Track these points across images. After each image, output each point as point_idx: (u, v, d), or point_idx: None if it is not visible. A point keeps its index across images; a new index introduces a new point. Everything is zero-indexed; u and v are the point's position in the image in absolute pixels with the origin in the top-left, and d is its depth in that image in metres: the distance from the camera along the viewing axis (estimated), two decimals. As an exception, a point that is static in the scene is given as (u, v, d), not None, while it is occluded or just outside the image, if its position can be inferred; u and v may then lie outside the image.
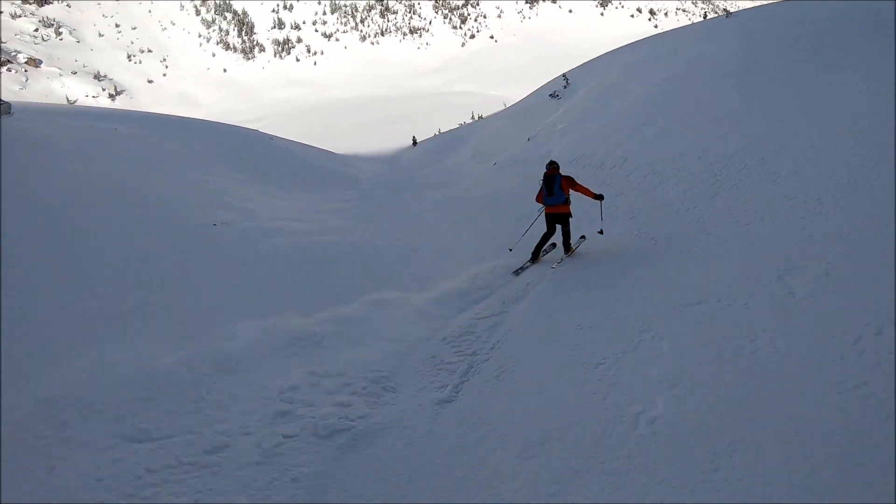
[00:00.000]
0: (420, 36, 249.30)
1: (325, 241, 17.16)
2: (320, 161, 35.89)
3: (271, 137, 38.30)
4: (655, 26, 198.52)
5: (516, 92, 59.17)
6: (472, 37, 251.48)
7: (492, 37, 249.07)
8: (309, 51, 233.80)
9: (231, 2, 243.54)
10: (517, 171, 24.89)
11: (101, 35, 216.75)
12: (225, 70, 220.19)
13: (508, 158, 28.45)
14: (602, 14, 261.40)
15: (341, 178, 31.56)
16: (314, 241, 16.96)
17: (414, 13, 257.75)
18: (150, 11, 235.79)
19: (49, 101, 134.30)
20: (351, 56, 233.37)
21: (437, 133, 59.84)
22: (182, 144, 27.07)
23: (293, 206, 21.62)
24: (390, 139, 66.57)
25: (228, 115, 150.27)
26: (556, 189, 12.10)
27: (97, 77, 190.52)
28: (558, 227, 12.71)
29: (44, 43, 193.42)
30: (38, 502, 5.54)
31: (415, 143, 58.07)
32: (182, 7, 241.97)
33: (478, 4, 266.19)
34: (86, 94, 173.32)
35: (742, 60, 20.97)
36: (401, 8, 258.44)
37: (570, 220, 12.60)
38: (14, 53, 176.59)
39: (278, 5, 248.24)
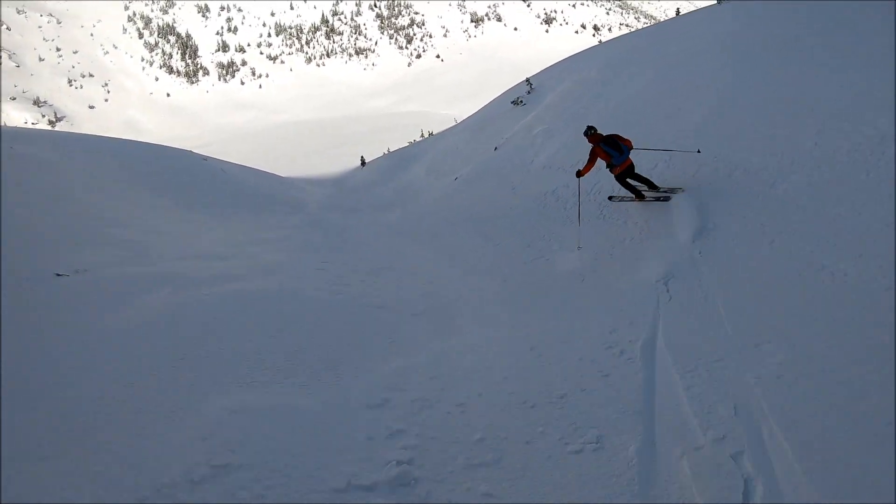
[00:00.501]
0: (366, 57, 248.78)
1: (242, 293, 10.81)
2: (261, 184, 32.31)
3: (205, 159, 35.00)
4: (600, 41, 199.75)
5: (466, 110, 57.50)
6: (419, 56, 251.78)
7: (438, 56, 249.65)
8: (254, 73, 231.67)
9: (175, 24, 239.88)
10: (490, 184, 22.01)
11: (41, 59, 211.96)
12: (168, 94, 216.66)
13: (474, 171, 25.53)
14: (547, 31, 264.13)
15: (284, 203, 28.57)
16: (224, 294, 10.66)
17: (359, 34, 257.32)
18: (91, 35, 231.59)
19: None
20: (297, 78, 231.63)
21: (387, 152, 58.12)
22: (89, 165, 22.74)
23: (219, 236, 17.65)
24: (339, 161, 64.70)
25: (174, 141, 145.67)
26: (621, 146, 11.77)
27: (36, 103, 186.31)
28: (634, 179, 12.48)
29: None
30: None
31: (363, 163, 56.22)
32: (125, 30, 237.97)
33: (423, 24, 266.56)
34: (25, 120, 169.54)
35: (739, 45, 19.22)
36: (346, 29, 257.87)
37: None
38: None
39: (223, 27, 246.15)
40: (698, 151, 12.43)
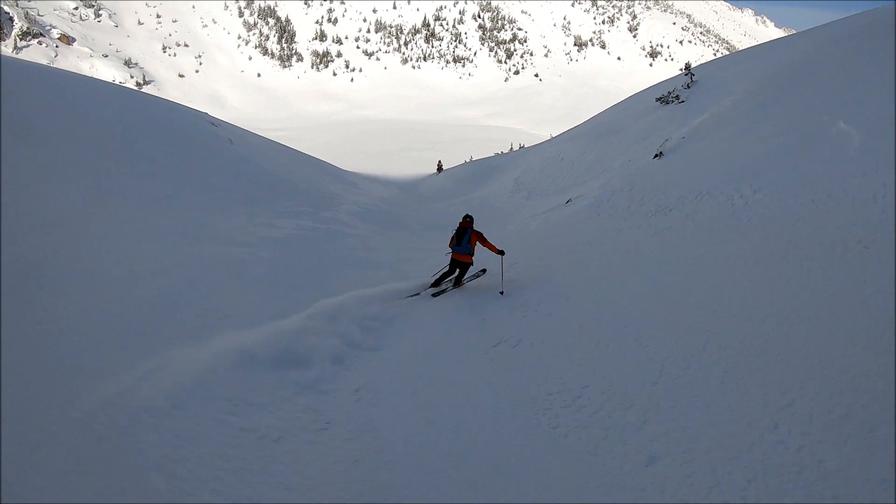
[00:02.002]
0: (463, 66, 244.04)
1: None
2: (292, 170, 26.73)
3: (215, 124, 27.80)
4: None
5: (559, 132, 50.98)
6: (517, 73, 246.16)
7: (536, 75, 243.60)
8: (348, 66, 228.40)
9: (276, 8, 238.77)
10: (650, 212, 13.30)
11: (140, 23, 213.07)
12: (259, 75, 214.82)
13: (605, 192, 17.07)
14: (651, 65, 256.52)
15: (311, 197, 22.09)
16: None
17: (459, 42, 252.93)
18: (193, 7, 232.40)
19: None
20: (390, 77, 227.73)
21: (469, 160, 51.52)
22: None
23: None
24: (417, 164, 61.55)
25: (254, 122, 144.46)
26: (464, 242, 12.47)
27: (128, 63, 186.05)
28: (456, 272, 13.02)
29: (81, 22, 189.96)
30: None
31: (440, 169, 49.92)
32: (226, 7, 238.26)
33: (525, 42, 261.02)
34: (113, 78, 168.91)
35: None
36: (446, 35, 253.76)
37: (470, 268, 12.95)
38: (48, 28, 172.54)
39: (322, 17, 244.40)
40: (501, 293, 11.78)
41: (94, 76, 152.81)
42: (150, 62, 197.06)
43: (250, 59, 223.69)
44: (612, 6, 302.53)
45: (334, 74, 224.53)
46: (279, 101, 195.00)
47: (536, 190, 26.41)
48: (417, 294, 12.41)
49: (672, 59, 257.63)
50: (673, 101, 24.71)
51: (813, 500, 4.18)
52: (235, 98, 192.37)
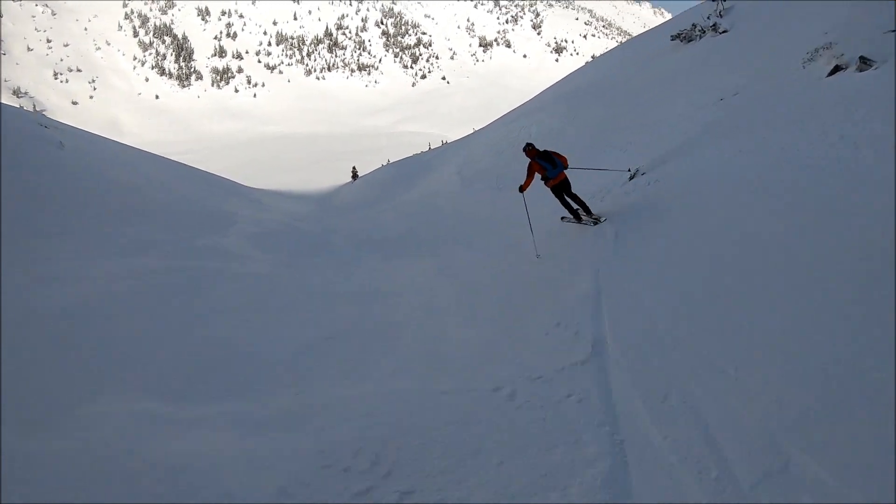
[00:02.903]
0: (369, 73, 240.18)
1: None
2: (162, 185, 21.54)
3: (46, 126, 22.46)
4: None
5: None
6: (424, 77, 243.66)
7: (444, 78, 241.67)
8: (250, 82, 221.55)
9: (172, 25, 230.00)
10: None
11: (29, 49, 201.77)
12: (157, 96, 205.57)
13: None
14: (557, 60, 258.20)
15: (178, 221, 16.94)
16: None
17: (364, 50, 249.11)
18: (85, 30, 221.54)
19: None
20: (295, 90, 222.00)
21: (387, 163, 48.28)
22: None
23: None
24: (332, 176, 58.47)
25: (155, 146, 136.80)
26: (555, 160, 11.86)
27: (16, 93, 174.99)
28: (568, 195, 12.35)
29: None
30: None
31: (355, 176, 46.52)
32: (120, 27, 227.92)
33: (430, 45, 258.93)
34: None
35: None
36: (350, 44, 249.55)
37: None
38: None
39: (221, 32, 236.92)
40: (628, 170, 13.32)
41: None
42: (42, 90, 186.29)
43: (147, 80, 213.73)
44: (515, 5, 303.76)
45: (236, 91, 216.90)
46: (180, 123, 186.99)
47: (500, 179, 23.27)
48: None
49: (577, 53, 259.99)
50: (700, 36, 21.61)
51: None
52: (133, 122, 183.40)
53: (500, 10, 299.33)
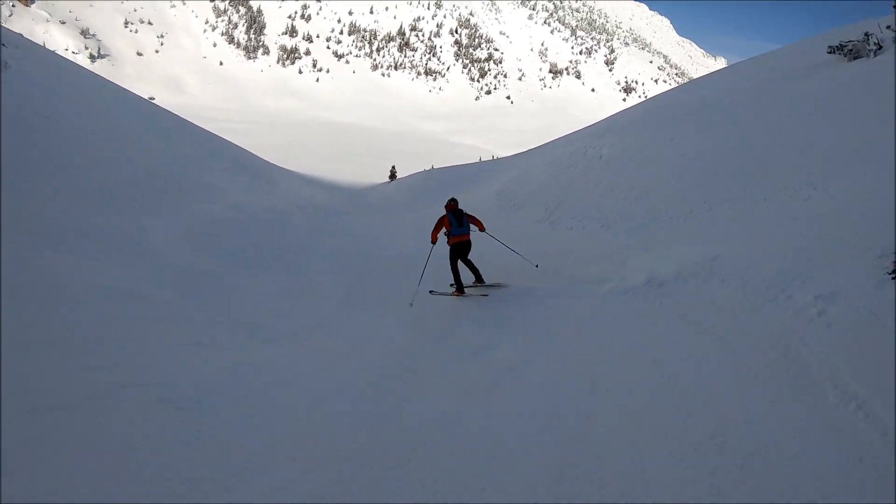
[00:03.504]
0: (435, 79, 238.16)
1: None
2: (138, 143, 18.57)
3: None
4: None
5: None
6: (489, 92, 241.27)
7: (508, 97, 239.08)
8: (315, 66, 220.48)
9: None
10: None
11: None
12: (222, 63, 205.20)
13: None
14: (624, 100, 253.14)
15: (136, 193, 14.14)
16: None
17: (434, 55, 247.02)
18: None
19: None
20: (358, 82, 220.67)
21: (431, 168, 45.06)
22: None
23: None
24: (373, 172, 56.31)
25: (208, 110, 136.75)
26: (465, 222, 12.52)
27: (84, 34, 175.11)
28: (461, 258, 12.81)
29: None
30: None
31: (393, 176, 43.03)
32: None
33: (501, 62, 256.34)
34: (66, 47, 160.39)
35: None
36: (421, 46, 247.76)
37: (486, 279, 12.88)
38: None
39: (296, 13, 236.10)
40: (536, 266, 13.05)
41: (45, 42, 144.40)
42: (109, 36, 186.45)
43: (215, 45, 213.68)
44: (592, 38, 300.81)
45: (300, 72, 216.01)
46: (239, 92, 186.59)
47: (548, 210, 19.87)
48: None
49: (645, 96, 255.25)
50: (876, 52, 16.11)
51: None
52: (194, 84, 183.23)
53: (577, 40, 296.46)
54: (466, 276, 12.67)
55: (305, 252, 15.90)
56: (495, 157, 54.66)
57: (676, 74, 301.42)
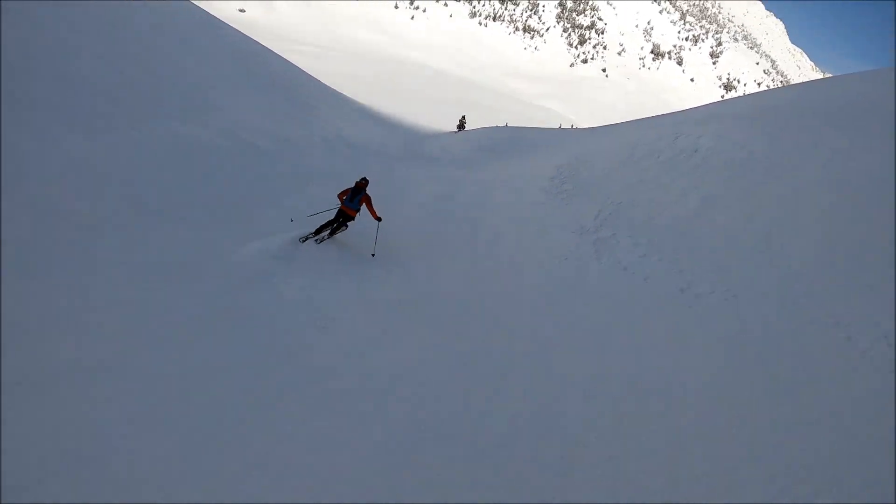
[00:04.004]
0: (532, 38, 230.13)
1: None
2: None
3: None
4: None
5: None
6: (585, 62, 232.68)
7: (604, 70, 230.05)
8: (412, 3, 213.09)
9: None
10: None
11: None
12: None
13: None
14: (723, 96, 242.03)
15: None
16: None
17: (535, 13, 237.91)
18: None
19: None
20: (453, 27, 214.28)
21: (502, 126, 40.55)
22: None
23: None
24: (447, 120, 51.46)
25: (294, 33, 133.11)
26: (356, 200, 13.66)
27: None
28: (339, 221, 14.07)
29: None
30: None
31: (461, 126, 38.65)
32: None
33: (602, 33, 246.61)
34: None
35: None
36: (523, 2, 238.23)
37: (351, 223, 14.02)
38: None
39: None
40: (372, 255, 13.69)
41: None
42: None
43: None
44: (700, 26, 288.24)
45: (396, 7, 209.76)
46: (329, 19, 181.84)
47: (600, 216, 14.79)
48: (306, 239, 13.25)
49: (744, 90, 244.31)
50: None
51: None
52: (285, 4, 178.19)
53: (685, 24, 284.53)
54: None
55: (271, 206, 14.01)
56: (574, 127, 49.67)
57: (782, 82, 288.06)
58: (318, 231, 13.63)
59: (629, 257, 12.32)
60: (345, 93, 36.26)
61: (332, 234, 13.78)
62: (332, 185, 15.49)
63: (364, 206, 13.73)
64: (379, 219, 13.74)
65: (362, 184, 13.76)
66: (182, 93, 15.48)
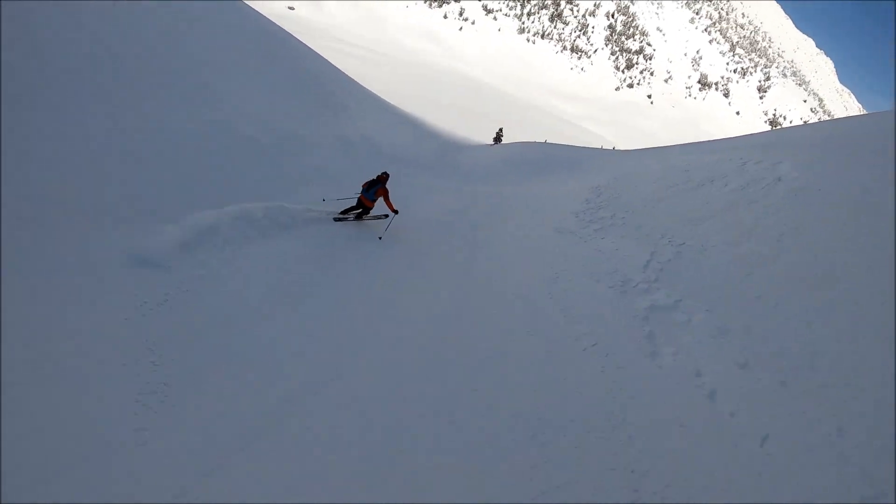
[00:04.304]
0: (579, 58, 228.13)
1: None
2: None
3: None
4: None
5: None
6: (631, 86, 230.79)
7: (649, 96, 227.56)
8: (461, 15, 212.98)
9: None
10: None
11: None
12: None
13: None
14: (770, 128, 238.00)
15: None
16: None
17: (584, 33, 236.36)
18: None
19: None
20: (500, 41, 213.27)
21: (542, 142, 39.49)
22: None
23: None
24: (485, 134, 51.80)
25: (343, 34, 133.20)
26: (372, 192, 14.28)
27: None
28: (360, 211, 14.80)
29: None
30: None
31: (498, 139, 37.92)
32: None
33: (651, 59, 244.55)
34: None
35: None
36: (573, 21, 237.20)
37: (370, 212, 14.84)
38: None
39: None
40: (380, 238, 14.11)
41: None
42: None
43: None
44: (749, 59, 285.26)
45: (445, 17, 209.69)
46: (378, 24, 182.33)
47: (639, 258, 10.10)
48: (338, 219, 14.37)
49: (791, 123, 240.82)
50: None
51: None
52: (334, 4, 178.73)
53: (734, 56, 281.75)
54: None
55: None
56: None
57: (827, 118, 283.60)
58: (343, 212, 14.77)
59: (707, 352, 7.12)
60: (385, 97, 35.39)
61: (357, 217, 14.89)
62: (332, 188, 15.37)
63: (382, 199, 14.51)
64: (395, 211, 14.65)
65: (382, 177, 14.62)
66: (181, 77, 14.31)
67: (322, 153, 17.12)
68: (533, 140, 46.50)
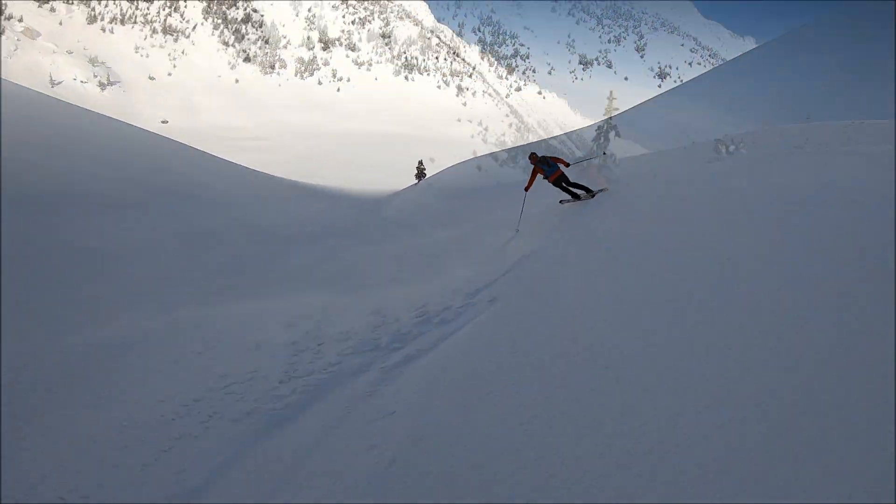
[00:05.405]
0: (461, 80, 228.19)
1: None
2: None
3: None
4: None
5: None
6: (519, 90, 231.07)
7: (540, 92, 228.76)
8: (335, 75, 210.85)
9: (262, 11, 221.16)
10: None
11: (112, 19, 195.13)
12: (237, 81, 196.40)
13: None
14: (660, 86, 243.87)
15: None
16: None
17: (457, 56, 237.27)
18: (174, 9, 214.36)
19: (29, 79, 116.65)
20: (381, 88, 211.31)
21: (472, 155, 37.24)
22: None
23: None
24: (404, 178, 49.96)
25: (226, 130, 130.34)
26: (551, 163, 14.93)
27: (93, 62, 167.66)
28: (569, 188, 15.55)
29: (51, 15, 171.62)
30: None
31: (421, 174, 34.86)
32: (210, 8, 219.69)
33: (528, 58, 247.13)
34: (74, 76, 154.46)
35: None
36: (443, 48, 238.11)
37: (570, 178, 15.32)
38: (10, 19, 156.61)
39: (310, 24, 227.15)
40: (604, 153, 17.04)
41: (52, 74, 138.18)
42: (120, 62, 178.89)
43: (230, 64, 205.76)
44: (618, 25, 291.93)
45: (319, 83, 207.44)
46: (257, 109, 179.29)
47: None
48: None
49: (681, 80, 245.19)
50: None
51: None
52: (210, 104, 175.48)
53: (603, 28, 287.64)
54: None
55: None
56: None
57: (710, 55, 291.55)
58: (574, 196, 15.59)
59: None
60: (307, 177, 32.38)
61: (574, 198, 15.62)
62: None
63: (558, 163, 15.21)
64: (567, 164, 15.33)
65: (533, 157, 15.22)
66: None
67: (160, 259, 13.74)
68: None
